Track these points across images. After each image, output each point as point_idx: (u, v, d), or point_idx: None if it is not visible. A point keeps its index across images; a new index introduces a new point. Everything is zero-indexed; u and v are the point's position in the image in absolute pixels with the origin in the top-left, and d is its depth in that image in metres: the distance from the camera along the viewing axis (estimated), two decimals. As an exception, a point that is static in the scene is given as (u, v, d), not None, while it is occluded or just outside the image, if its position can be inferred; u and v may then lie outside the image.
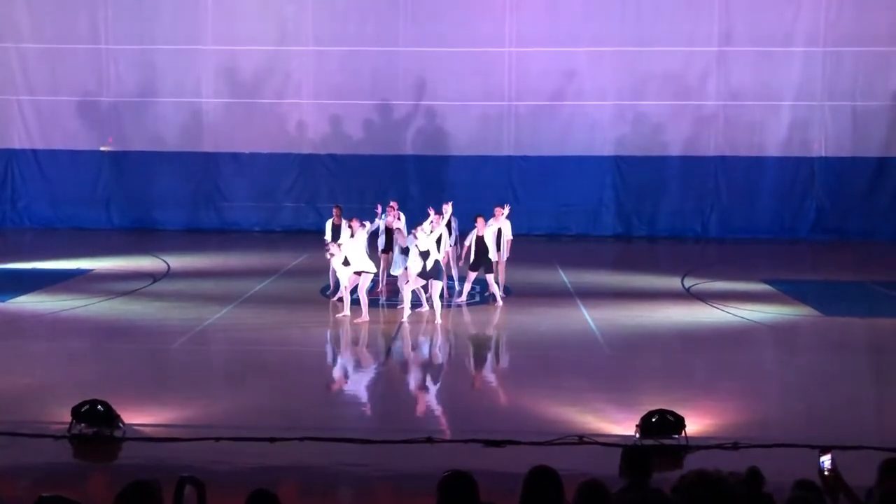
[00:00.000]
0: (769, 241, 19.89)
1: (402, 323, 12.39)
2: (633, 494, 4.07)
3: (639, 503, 3.46)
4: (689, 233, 20.52)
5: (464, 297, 13.49)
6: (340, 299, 12.71)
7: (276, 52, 20.38)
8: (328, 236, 14.02)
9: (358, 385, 10.38)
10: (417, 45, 20.24)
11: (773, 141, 20.33)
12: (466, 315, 13.29)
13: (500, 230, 13.90)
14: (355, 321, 12.30)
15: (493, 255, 13.76)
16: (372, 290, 13.31)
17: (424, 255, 12.16)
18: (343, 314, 12.44)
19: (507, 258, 14.00)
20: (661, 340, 11.77)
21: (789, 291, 14.40)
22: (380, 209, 14.07)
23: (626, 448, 4.60)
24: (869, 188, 20.23)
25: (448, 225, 13.82)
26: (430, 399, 9.63)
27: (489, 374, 10.93)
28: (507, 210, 13.95)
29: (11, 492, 6.88)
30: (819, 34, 19.88)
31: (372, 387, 10.12)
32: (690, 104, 20.28)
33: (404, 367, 11.12)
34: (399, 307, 12.80)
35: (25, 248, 18.58)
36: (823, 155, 20.28)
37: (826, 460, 4.41)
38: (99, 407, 8.01)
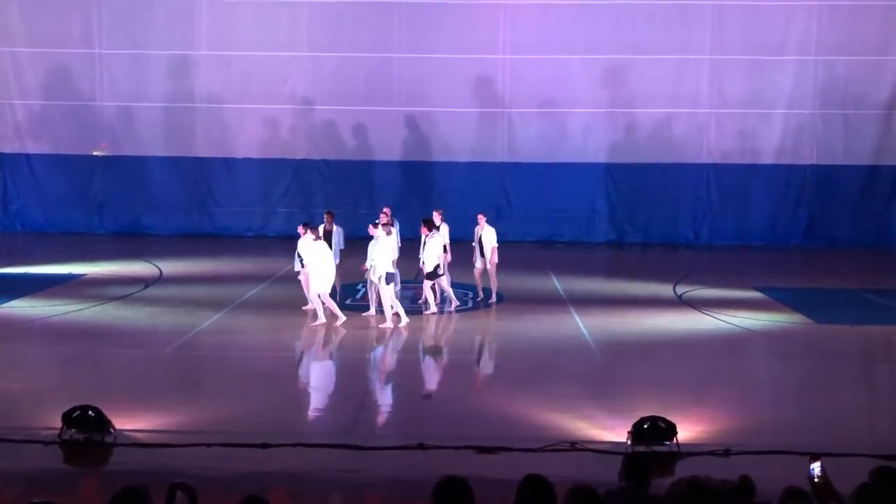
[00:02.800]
0: (761, 248, 19.96)
1: (394, 329, 12.39)
2: (624, 498, 4.08)
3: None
4: (681, 240, 20.57)
5: (455, 302, 13.51)
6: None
7: (270, 57, 20.37)
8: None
9: (350, 391, 10.36)
10: (411, 52, 20.26)
11: (765, 148, 20.41)
12: (459, 322, 13.30)
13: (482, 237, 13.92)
14: (335, 325, 12.30)
15: (478, 262, 13.80)
16: (365, 296, 13.31)
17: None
18: (320, 322, 12.38)
19: (497, 264, 13.98)
20: (653, 347, 11.79)
21: (781, 299, 14.45)
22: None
23: (627, 456, 4.62)
24: (860, 196, 20.31)
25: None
26: (422, 405, 9.61)
27: (481, 381, 10.91)
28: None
29: (1, 498, 6.85)
30: (811, 43, 19.98)
31: (364, 393, 10.11)
32: (683, 112, 20.35)
33: (396, 373, 11.12)
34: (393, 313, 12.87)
35: (17, 252, 18.51)
36: (815, 163, 20.37)
37: (816, 467, 4.44)
38: (90, 412, 7.99)
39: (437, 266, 13.10)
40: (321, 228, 13.92)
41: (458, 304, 13.50)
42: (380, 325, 12.37)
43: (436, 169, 20.60)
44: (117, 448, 7.90)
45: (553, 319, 13.02)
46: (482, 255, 13.83)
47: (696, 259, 19.44)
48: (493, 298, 13.86)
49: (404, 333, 12.33)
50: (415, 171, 20.60)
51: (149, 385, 9.98)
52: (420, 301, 13.48)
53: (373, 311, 12.85)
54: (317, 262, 12.32)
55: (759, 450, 7.75)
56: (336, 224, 13.74)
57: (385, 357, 11.57)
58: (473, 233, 14.13)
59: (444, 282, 13.37)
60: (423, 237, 13.40)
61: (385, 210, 14.11)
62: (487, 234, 13.90)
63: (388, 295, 12.30)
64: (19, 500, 6.63)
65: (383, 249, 12.32)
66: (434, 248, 13.08)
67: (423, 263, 13.17)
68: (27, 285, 14.74)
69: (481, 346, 12.42)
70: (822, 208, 20.38)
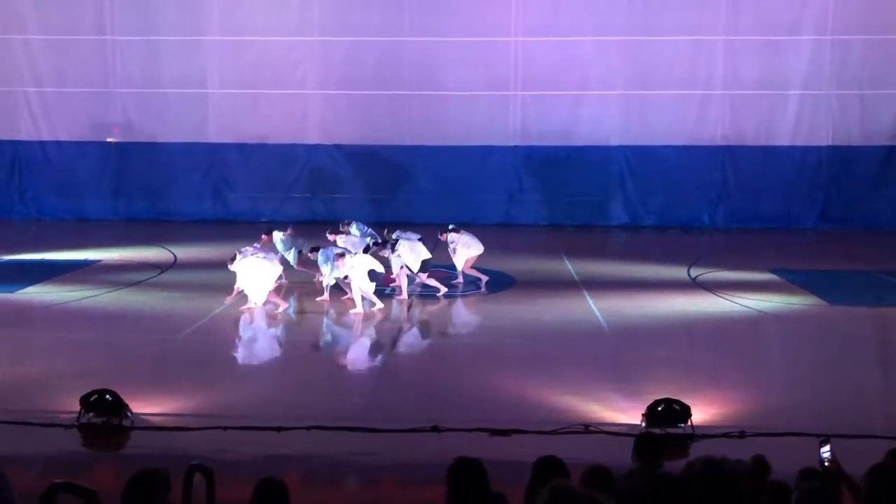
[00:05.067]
0: (776, 230, 19.82)
1: (407, 315, 12.43)
2: (639, 478, 4.09)
3: (645, 486, 3.47)
4: (695, 222, 20.45)
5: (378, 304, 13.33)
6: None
7: (281, 42, 20.35)
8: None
9: (364, 374, 10.42)
10: (422, 35, 20.17)
11: (781, 130, 20.22)
12: (471, 306, 13.32)
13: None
14: (351, 312, 12.35)
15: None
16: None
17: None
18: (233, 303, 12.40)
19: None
20: (667, 330, 11.76)
21: (796, 281, 14.37)
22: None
23: (639, 435, 4.63)
24: (876, 178, 20.10)
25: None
26: (436, 388, 9.64)
27: (495, 364, 10.91)
28: (445, 236, 13.98)
29: (21, 480, 6.92)
30: (827, 22, 19.74)
31: (377, 376, 10.16)
32: (697, 93, 20.17)
33: (410, 356, 11.16)
34: (398, 297, 12.99)
35: (33, 238, 18.64)
36: (831, 144, 20.18)
37: (826, 451, 4.42)
38: (107, 396, 8.08)
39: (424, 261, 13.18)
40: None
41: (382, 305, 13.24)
42: (351, 311, 12.42)
43: (447, 153, 20.53)
44: (135, 431, 7.98)
45: (566, 303, 13.02)
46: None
47: (711, 242, 19.35)
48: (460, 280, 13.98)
49: (419, 318, 12.35)
50: (427, 154, 20.54)
51: (165, 369, 10.06)
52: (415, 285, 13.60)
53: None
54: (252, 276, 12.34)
55: (774, 432, 7.73)
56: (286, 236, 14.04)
57: (398, 341, 11.61)
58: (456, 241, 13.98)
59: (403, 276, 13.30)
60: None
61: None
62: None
63: (359, 288, 12.36)
64: (39, 483, 6.71)
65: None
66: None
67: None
68: (43, 271, 14.85)
69: (495, 330, 12.40)
70: (837, 190, 20.20)
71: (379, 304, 12.47)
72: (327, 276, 12.74)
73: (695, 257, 16.40)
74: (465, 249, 13.82)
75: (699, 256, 16.61)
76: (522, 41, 20.17)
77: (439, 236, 14.12)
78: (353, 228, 14.62)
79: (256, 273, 12.26)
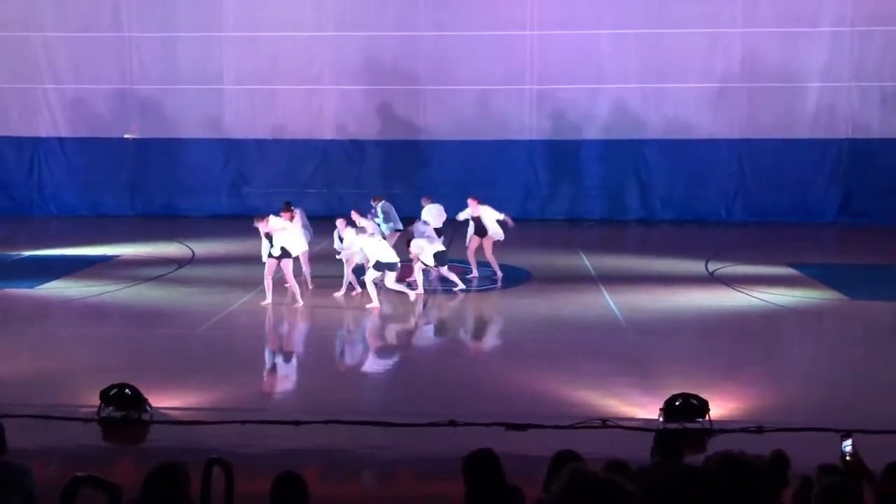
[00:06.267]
0: (795, 224, 19.65)
1: (423, 309, 12.44)
2: (659, 470, 4.08)
3: (666, 478, 3.45)
4: (713, 216, 20.34)
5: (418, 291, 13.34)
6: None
7: (296, 37, 20.39)
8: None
9: (381, 369, 10.44)
10: (438, 30, 20.15)
11: (799, 123, 20.04)
12: (488, 300, 13.31)
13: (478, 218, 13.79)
14: (367, 306, 12.36)
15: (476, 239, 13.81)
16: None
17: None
18: (266, 302, 12.38)
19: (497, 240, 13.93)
20: (684, 324, 11.71)
21: (815, 275, 14.25)
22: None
23: (660, 431, 4.61)
24: (897, 170, 19.91)
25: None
26: (453, 383, 9.64)
27: (512, 359, 10.91)
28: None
29: (42, 473, 7.00)
30: (847, 13, 19.52)
31: (394, 370, 10.17)
32: (714, 86, 20.04)
33: (426, 351, 11.16)
34: (414, 291, 12.96)
35: (52, 234, 18.81)
36: (850, 137, 19.98)
37: (847, 445, 4.39)
38: (127, 391, 8.14)
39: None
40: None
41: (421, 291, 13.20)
42: (367, 305, 12.43)
43: (463, 148, 20.52)
44: (154, 425, 8.05)
45: (583, 297, 12.98)
46: (478, 233, 13.78)
47: (728, 235, 19.22)
48: (499, 274, 13.90)
49: (433, 312, 12.35)
50: (443, 149, 20.54)
51: (183, 364, 10.13)
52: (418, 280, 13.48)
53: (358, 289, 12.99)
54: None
55: (793, 427, 7.68)
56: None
57: (415, 336, 11.62)
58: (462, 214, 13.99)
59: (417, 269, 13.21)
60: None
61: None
62: (488, 212, 13.78)
63: (370, 277, 12.37)
64: (60, 476, 6.78)
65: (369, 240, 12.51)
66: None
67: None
68: (63, 267, 14.98)
69: (511, 325, 12.40)
70: (857, 183, 19.99)
71: (403, 292, 12.43)
72: (336, 244, 12.79)
73: (712, 251, 16.30)
74: (477, 233, 13.73)
75: (717, 250, 16.50)
76: (538, 35, 20.09)
77: (468, 201, 14.01)
78: (380, 208, 14.57)
79: (290, 234, 12.39)
